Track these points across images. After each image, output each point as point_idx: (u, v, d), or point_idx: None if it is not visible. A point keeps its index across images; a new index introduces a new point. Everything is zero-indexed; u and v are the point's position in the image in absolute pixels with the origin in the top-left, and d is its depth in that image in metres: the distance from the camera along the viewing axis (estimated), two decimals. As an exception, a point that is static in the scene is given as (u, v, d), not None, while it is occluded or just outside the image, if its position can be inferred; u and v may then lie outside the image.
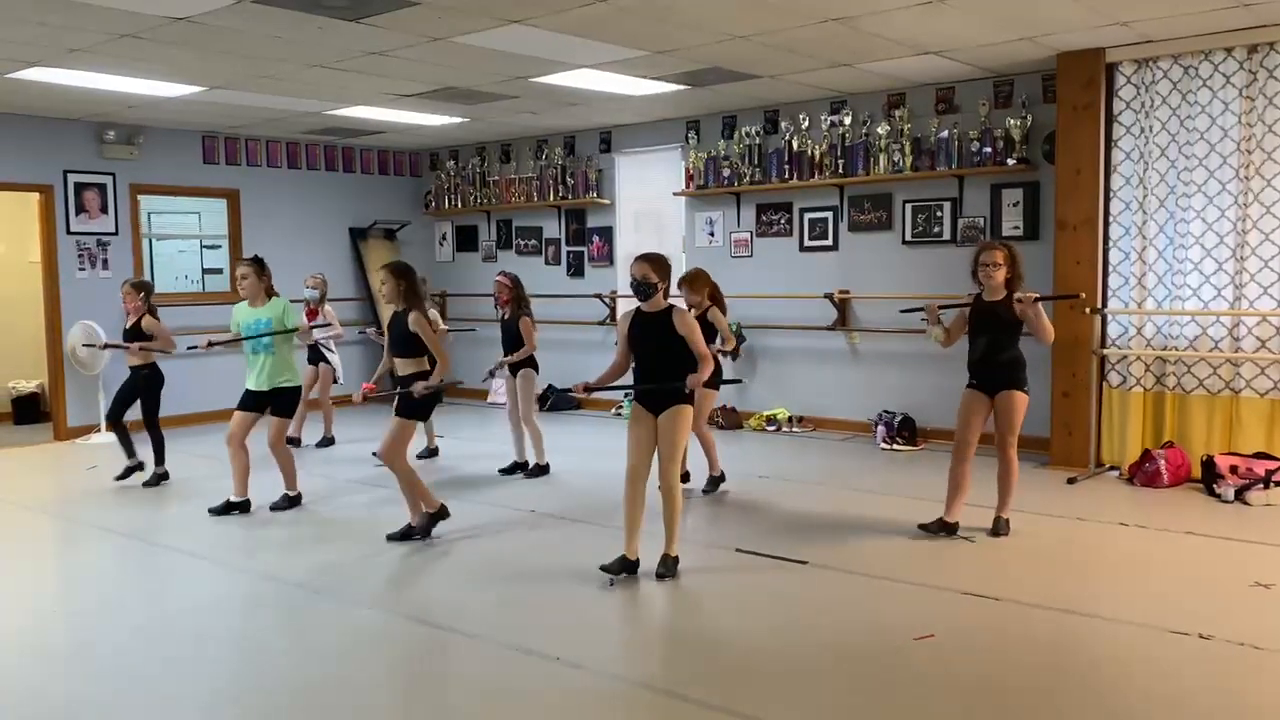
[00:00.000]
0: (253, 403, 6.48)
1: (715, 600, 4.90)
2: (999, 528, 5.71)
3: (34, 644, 4.35)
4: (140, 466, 7.45)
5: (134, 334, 7.25)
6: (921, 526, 5.81)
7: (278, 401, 6.49)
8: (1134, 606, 4.52)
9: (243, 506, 6.50)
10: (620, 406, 10.39)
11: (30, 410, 10.60)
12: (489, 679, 3.94)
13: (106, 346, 8.16)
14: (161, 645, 4.30)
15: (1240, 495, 6.35)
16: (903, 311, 6.69)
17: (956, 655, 4.03)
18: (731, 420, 9.57)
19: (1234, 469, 6.50)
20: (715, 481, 6.85)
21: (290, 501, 6.59)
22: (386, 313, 6.96)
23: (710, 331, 6.42)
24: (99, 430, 9.34)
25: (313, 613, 4.69)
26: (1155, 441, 7.14)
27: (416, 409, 5.74)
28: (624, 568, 4.98)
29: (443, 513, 5.84)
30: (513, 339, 7.44)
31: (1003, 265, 5.51)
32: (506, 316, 7.52)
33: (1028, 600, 4.60)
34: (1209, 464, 6.63)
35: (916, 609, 4.54)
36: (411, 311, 5.66)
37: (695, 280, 6.56)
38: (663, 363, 4.93)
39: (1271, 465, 6.46)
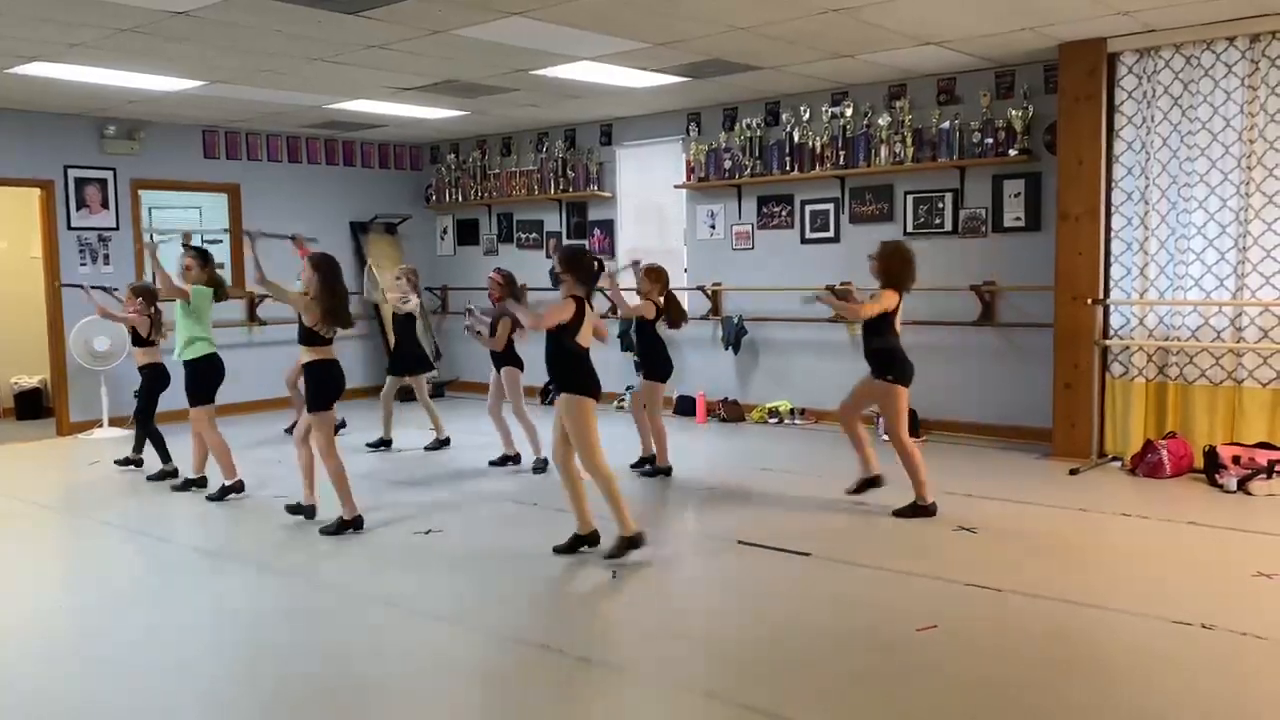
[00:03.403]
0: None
1: (718, 591, 4.91)
2: (920, 510, 5.88)
3: (37, 640, 4.36)
4: (139, 463, 7.63)
5: (137, 339, 7.44)
6: (849, 491, 6.24)
7: (189, 378, 6.70)
8: (1136, 597, 4.52)
9: (236, 487, 6.76)
10: (622, 400, 10.39)
11: (32, 406, 10.61)
12: (492, 671, 3.95)
13: (95, 288, 8.35)
14: (165, 640, 4.31)
15: (1243, 485, 6.35)
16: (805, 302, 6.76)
17: (959, 646, 4.03)
18: (733, 413, 9.57)
19: (1236, 459, 6.50)
20: (657, 471, 7.10)
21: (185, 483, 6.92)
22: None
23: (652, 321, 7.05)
24: (101, 426, 9.36)
25: (314, 604, 4.70)
26: (1158, 432, 7.14)
27: (316, 400, 5.74)
28: (576, 544, 5.29)
29: (358, 523, 5.84)
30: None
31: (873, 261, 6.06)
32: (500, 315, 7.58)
33: (1030, 591, 4.61)
34: (1211, 454, 6.63)
35: (919, 600, 4.55)
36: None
37: (650, 274, 7.07)
38: (560, 349, 5.12)
39: (1274, 455, 6.45)
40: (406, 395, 9.07)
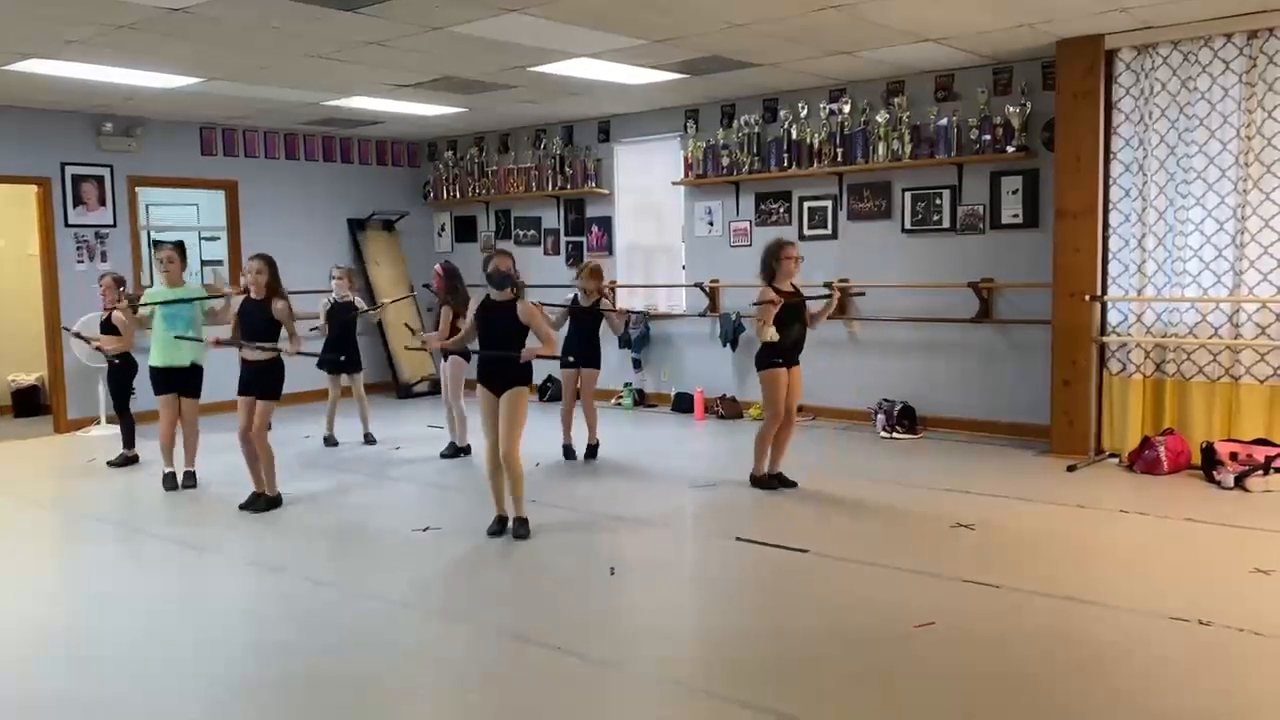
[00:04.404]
0: (171, 382, 6.95)
1: (715, 588, 4.92)
2: (786, 481, 6.61)
3: (34, 637, 4.35)
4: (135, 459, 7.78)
5: (106, 326, 7.64)
6: (772, 488, 6.59)
7: (195, 379, 7.00)
8: (1134, 593, 4.53)
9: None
10: (620, 397, 10.39)
11: (30, 403, 10.60)
12: (489, 668, 3.95)
13: (78, 336, 8.50)
14: (162, 636, 4.31)
15: (1240, 482, 6.36)
16: (754, 304, 6.66)
17: (957, 642, 4.04)
18: (731, 410, 9.58)
19: (1234, 455, 6.51)
20: (593, 450, 7.69)
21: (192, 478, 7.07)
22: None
23: (598, 320, 7.71)
24: (99, 423, 9.35)
25: (313, 601, 4.70)
26: (1155, 428, 7.15)
27: (271, 391, 6.27)
28: (502, 528, 5.64)
29: (277, 501, 6.39)
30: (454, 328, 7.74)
31: (802, 259, 6.53)
32: (442, 304, 7.81)
33: (1028, 587, 4.61)
34: (1209, 451, 6.63)
35: (917, 597, 4.55)
36: (277, 301, 6.22)
37: (596, 273, 7.73)
38: (505, 346, 5.55)
39: (1271, 451, 6.46)
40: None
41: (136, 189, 10.03)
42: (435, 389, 11.54)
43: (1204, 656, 3.87)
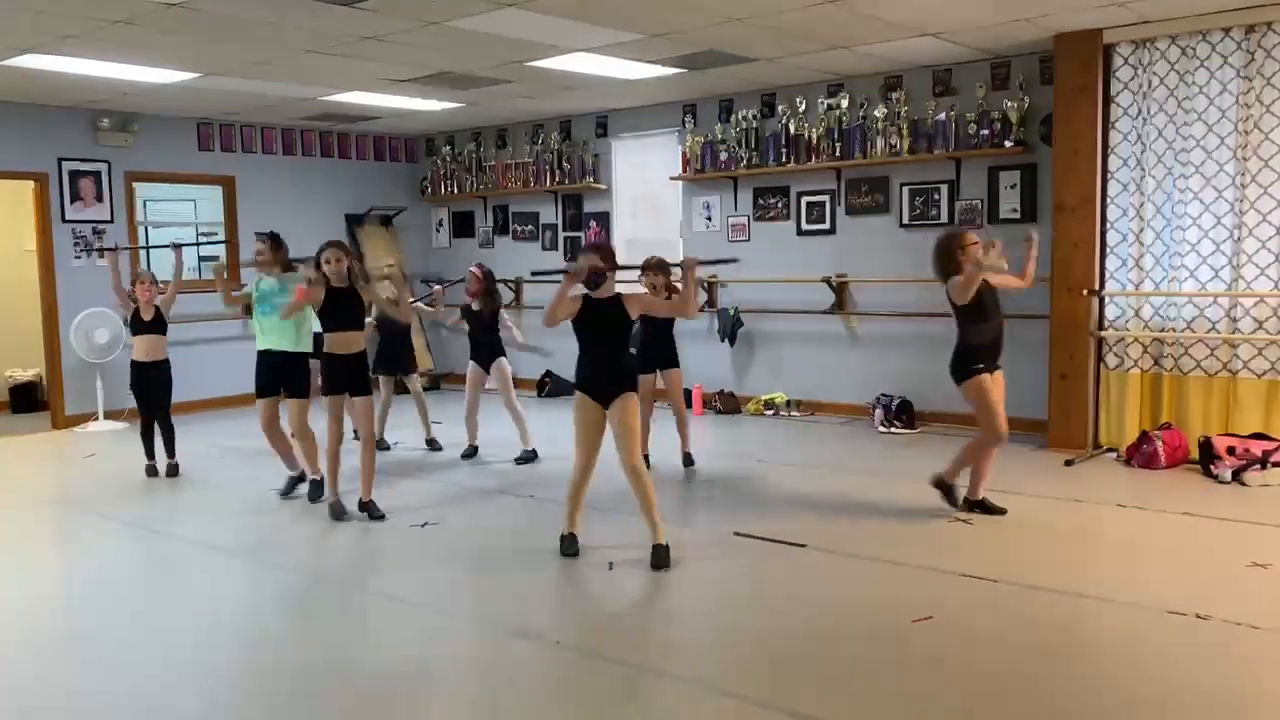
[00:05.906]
0: (276, 376, 6.46)
1: (713, 584, 4.92)
2: (990, 507, 5.78)
3: (33, 633, 4.36)
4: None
5: (157, 323, 7.19)
6: (970, 506, 5.81)
7: (300, 374, 6.50)
8: (1131, 587, 4.54)
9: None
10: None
11: (27, 399, 10.59)
12: (489, 663, 3.95)
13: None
14: (162, 632, 4.31)
15: (1237, 476, 6.37)
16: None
17: (955, 637, 4.04)
18: (729, 405, 9.58)
19: (1231, 450, 6.51)
20: (689, 459, 7.25)
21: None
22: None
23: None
24: (96, 418, 9.35)
25: (313, 598, 4.71)
26: (1153, 423, 7.15)
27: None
28: (575, 546, 5.18)
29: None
30: (488, 330, 7.56)
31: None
32: (478, 308, 7.59)
33: (1026, 581, 4.62)
34: (1206, 445, 6.64)
35: (915, 591, 4.56)
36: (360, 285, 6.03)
37: (663, 266, 6.77)
38: (615, 348, 5.04)
39: (1268, 446, 6.47)
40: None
41: (134, 184, 10.01)
42: (435, 384, 11.54)
43: (1202, 650, 3.88)
